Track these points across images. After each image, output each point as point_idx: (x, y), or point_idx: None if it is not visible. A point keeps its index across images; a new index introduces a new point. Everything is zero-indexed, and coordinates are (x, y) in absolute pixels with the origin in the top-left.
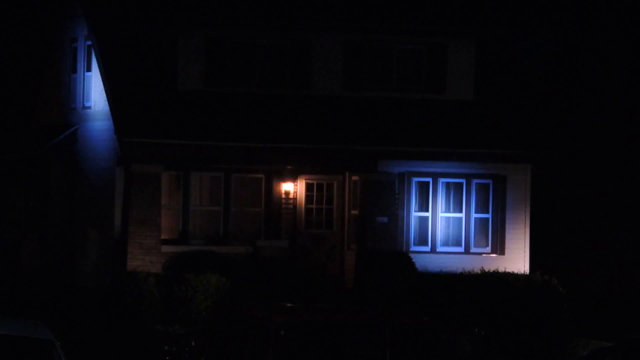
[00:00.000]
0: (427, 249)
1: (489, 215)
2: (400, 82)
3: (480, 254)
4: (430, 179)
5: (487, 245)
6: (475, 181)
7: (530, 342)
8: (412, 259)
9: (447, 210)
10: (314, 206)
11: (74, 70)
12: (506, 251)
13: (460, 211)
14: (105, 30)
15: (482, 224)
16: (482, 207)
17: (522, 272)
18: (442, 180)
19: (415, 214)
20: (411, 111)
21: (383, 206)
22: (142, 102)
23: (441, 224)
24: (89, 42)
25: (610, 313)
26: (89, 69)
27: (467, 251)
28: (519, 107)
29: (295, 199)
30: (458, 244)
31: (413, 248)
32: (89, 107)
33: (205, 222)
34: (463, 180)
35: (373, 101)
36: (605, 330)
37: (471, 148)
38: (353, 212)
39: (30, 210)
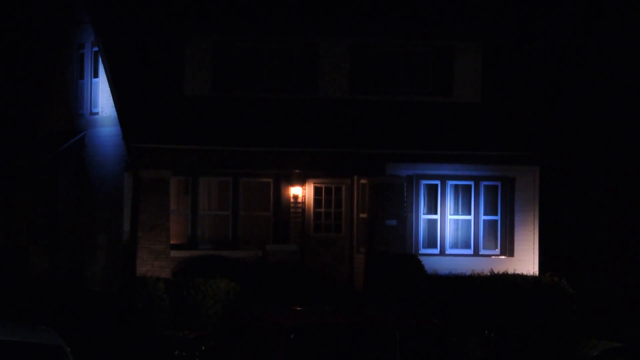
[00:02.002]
0: (436, 251)
1: (497, 217)
2: (407, 85)
3: (490, 256)
4: (438, 182)
5: (496, 247)
6: (483, 183)
7: (540, 343)
8: (421, 262)
9: (456, 212)
10: (322, 210)
11: (81, 77)
12: (515, 253)
13: (469, 213)
14: (111, 36)
15: (490, 226)
16: (490, 209)
17: (532, 273)
18: (450, 182)
19: (423, 217)
20: (419, 114)
21: (391, 209)
22: (149, 108)
23: (450, 226)
24: (96, 48)
25: (620, 314)
26: (96, 75)
27: (476, 253)
28: (526, 108)
29: (303, 202)
30: (467, 246)
31: (422, 250)
32: (97, 113)
33: (214, 226)
34: (471, 183)
35: (380, 104)
36: (615, 330)
37: (479, 150)
38: (362, 215)
39: (39, 217)
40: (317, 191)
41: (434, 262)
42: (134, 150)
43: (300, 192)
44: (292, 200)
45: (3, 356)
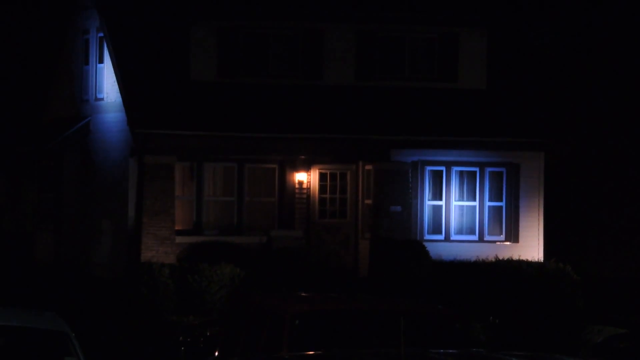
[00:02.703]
0: (441, 237)
1: (502, 204)
2: (412, 71)
3: (494, 242)
4: (443, 168)
5: (501, 233)
6: (488, 169)
7: (544, 329)
8: (425, 248)
9: (461, 198)
10: (327, 196)
11: (86, 62)
12: (520, 239)
13: (474, 199)
14: (116, 21)
15: (495, 212)
16: (495, 195)
17: (536, 259)
18: (455, 168)
19: (428, 203)
20: (424, 100)
21: (396, 195)
22: (154, 93)
23: (455, 212)
24: (101, 34)
25: (625, 300)
26: (101, 61)
27: (481, 239)
28: (532, 95)
29: (308, 188)
30: (472, 232)
31: (427, 237)
32: (102, 99)
33: (219, 212)
34: (476, 169)
35: (386, 90)
36: (620, 317)
37: (484, 136)
38: (367, 201)
39: (43, 202)
40: (322, 177)
41: (438, 248)
42: (138, 136)
43: (305, 178)
44: (297, 186)
45: (7, 342)
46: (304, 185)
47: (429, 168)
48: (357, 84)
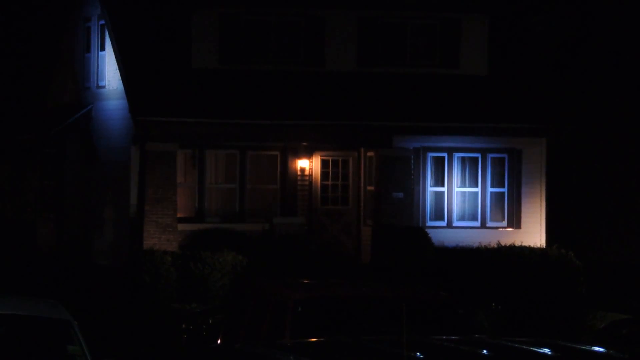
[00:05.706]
0: (443, 223)
1: (504, 190)
2: (414, 58)
3: (497, 228)
4: (445, 154)
5: (503, 220)
6: (490, 155)
7: (547, 315)
8: (428, 234)
9: (463, 185)
10: (329, 182)
11: (88, 50)
12: (522, 225)
13: (476, 186)
14: (118, 8)
15: (497, 198)
16: (497, 182)
17: (538, 245)
18: (457, 155)
19: (430, 189)
20: (426, 86)
21: (398, 181)
22: (156, 80)
23: (457, 198)
24: (103, 21)
25: (627, 286)
26: (102, 48)
27: (483, 225)
28: (533, 81)
29: (310, 175)
30: (474, 218)
31: (429, 223)
32: (104, 86)
33: (221, 199)
34: (478, 155)
35: (387, 77)
36: (622, 303)
37: (486, 122)
38: (369, 187)
39: (45, 190)
40: (324, 164)
41: (441, 235)
42: (140, 123)
43: (307, 164)
44: (299, 173)
45: (9, 330)
46: (306, 172)
47: (430, 154)
48: (358, 70)
